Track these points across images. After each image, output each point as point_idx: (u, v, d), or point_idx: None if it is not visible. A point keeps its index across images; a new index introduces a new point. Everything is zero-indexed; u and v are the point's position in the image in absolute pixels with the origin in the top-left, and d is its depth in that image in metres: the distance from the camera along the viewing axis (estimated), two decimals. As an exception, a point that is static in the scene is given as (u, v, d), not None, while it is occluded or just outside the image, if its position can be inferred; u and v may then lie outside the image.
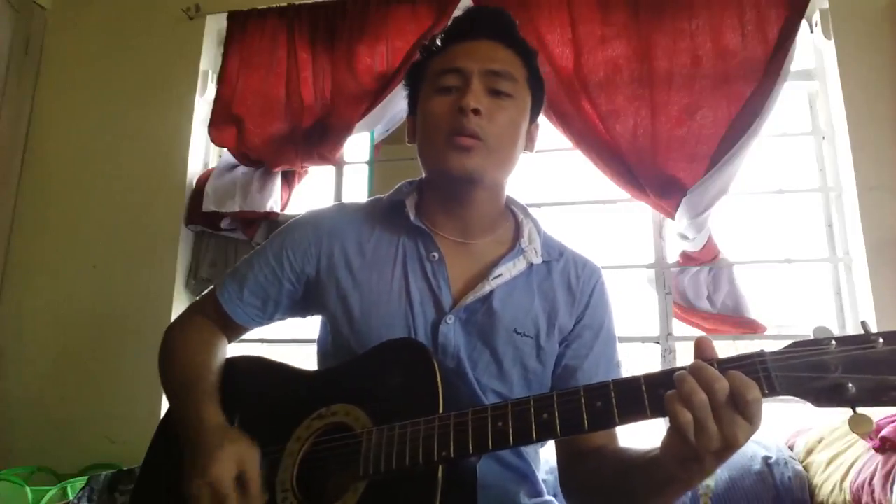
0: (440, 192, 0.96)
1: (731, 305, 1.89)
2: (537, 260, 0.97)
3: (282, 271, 0.97)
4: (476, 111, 0.88)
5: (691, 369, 0.62)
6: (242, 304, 0.98)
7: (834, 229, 1.92)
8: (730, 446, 0.61)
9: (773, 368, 0.61)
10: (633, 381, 0.66)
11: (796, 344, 0.63)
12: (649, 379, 0.65)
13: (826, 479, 1.38)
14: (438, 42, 0.99)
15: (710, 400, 0.60)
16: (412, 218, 0.96)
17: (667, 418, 0.62)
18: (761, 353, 0.63)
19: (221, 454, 0.74)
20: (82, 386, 2.12)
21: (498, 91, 0.91)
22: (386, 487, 0.73)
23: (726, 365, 0.63)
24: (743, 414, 0.60)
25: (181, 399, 0.88)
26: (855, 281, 1.84)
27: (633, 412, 0.65)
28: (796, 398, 0.61)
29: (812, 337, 0.62)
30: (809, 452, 1.50)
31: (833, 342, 0.61)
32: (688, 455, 0.62)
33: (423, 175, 1.00)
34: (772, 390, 0.61)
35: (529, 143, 1.01)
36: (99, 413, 2.07)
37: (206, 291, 1.03)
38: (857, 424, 0.59)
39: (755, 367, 0.62)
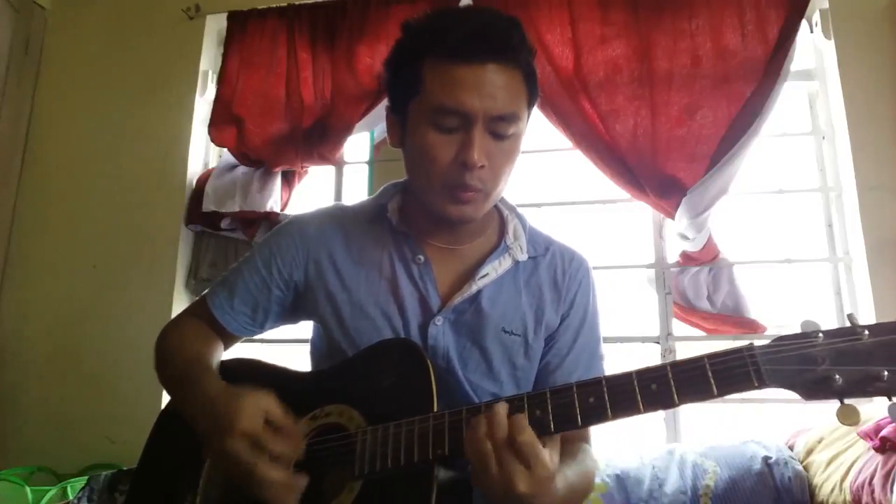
0: (428, 212, 0.92)
1: (731, 305, 1.89)
2: (523, 257, 0.96)
3: (270, 278, 0.97)
4: (481, 166, 0.84)
5: (486, 412, 0.68)
6: (233, 313, 0.98)
7: (834, 229, 1.92)
8: (508, 490, 0.64)
9: (762, 361, 0.62)
10: (626, 377, 0.67)
11: (784, 337, 0.64)
12: (641, 374, 0.67)
13: (826, 479, 1.38)
14: (431, 43, 0.86)
15: (493, 442, 0.65)
16: (395, 223, 0.95)
17: (662, 412, 0.64)
18: (750, 347, 0.64)
19: (242, 404, 0.73)
20: (82, 386, 2.12)
21: (501, 135, 0.85)
22: (381, 487, 0.73)
23: (716, 359, 0.64)
24: (518, 456, 0.65)
25: (182, 388, 0.87)
26: (855, 281, 1.84)
27: (626, 408, 0.66)
28: (785, 390, 0.62)
29: (800, 330, 0.64)
30: (809, 452, 1.50)
31: (820, 335, 0.62)
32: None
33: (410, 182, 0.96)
34: (761, 382, 0.62)
35: None
36: (99, 413, 2.07)
37: (197, 299, 1.03)
38: (845, 415, 0.60)
39: (744, 360, 0.63)
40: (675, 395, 0.65)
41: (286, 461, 0.73)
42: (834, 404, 0.61)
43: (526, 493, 0.64)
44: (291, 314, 1.01)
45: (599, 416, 0.67)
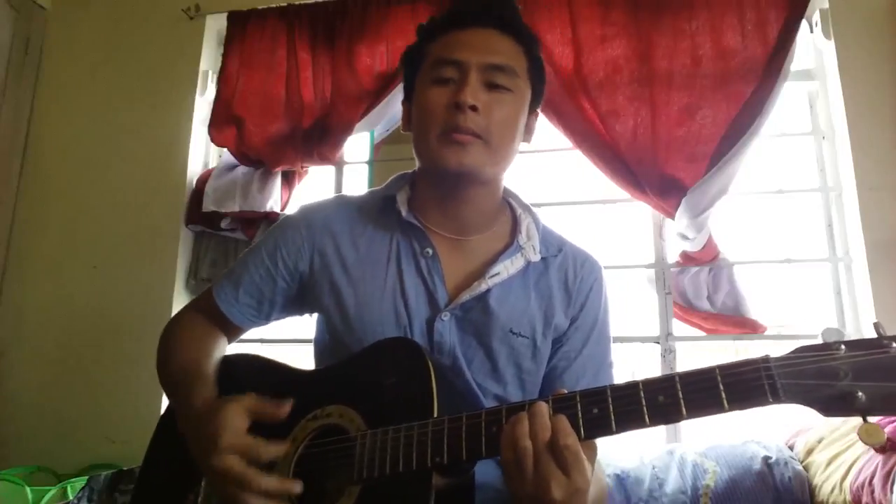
0: (435, 187, 0.94)
1: (731, 305, 1.89)
2: (535, 258, 0.95)
3: (276, 269, 0.96)
4: (473, 108, 0.85)
5: (530, 412, 0.65)
6: (238, 305, 0.97)
7: (834, 229, 1.92)
8: (540, 494, 0.62)
9: (778, 375, 0.58)
10: (631, 388, 0.64)
11: (803, 348, 0.60)
12: (647, 385, 0.63)
13: (826, 479, 1.38)
14: (436, 24, 0.95)
15: (534, 443, 0.63)
16: (404, 214, 0.94)
17: (668, 426, 0.63)
18: (766, 359, 0.60)
19: (222, 416, 0.74)
20: (82, 386, 2.12)
21: (496, 85, 0.88)
22: (381, 492, 0.73)
23: (728, 370, 0.60)
24: (557, 460, 0.62)
25: (175, 395, 0.88)
26: (855, 281, 1.83)
27: (631, 420, 0.63)
28: (802, 406, 0.58)
29: (820, 340, 0.60)
30: (809, 452, 1.50)
31: (842, 347, 0.58)
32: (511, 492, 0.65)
33: (418, 167, 0.97)
34: (776, 398, 0.58)
35: (527, 135, 0.98)
36: (99, 413, 2.07)
37: (204, 291, 1.02)
38: (868, 434, 0.56)
39: (759, 372, 0.59)
40: (684, 409, 0.61)
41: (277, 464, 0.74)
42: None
43: (559, 501, 0.62)
44: (297, 306, 1.01)
45: (603, 429, 0.64)
